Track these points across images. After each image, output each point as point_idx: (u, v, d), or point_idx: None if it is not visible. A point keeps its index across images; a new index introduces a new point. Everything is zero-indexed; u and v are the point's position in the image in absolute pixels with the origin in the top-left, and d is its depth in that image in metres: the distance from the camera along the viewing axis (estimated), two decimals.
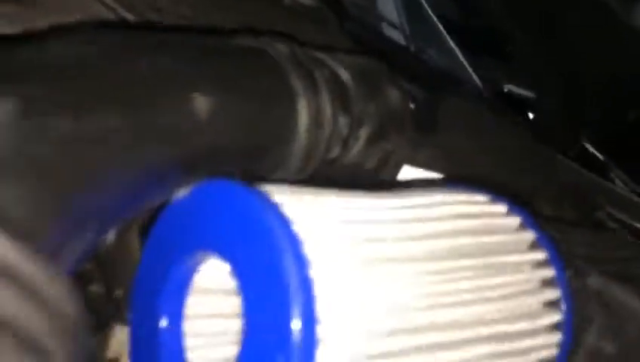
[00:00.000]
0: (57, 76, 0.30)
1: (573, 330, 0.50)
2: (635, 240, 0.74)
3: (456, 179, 0.66)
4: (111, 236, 0.41)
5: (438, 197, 0.40)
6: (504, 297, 0.39)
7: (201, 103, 0.34)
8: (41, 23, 0.43)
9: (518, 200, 0.48)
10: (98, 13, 0.53)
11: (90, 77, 0.31)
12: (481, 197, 0.44)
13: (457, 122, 0.75)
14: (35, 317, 0.23)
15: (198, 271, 0.36)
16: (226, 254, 0.32)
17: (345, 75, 0.51)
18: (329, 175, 0.53)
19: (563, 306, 0.42)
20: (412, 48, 0.99)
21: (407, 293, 0.32)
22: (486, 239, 0.40)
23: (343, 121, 0.49)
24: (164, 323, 0.36)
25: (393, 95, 0.57)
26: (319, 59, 0.49)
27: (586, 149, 0.95)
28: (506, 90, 1.02)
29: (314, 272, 0.29)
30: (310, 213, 0.32)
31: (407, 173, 0.63)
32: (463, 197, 0.42)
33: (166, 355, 0.36)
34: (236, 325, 0.35)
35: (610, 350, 0.54)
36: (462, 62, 0.99)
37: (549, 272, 0.42)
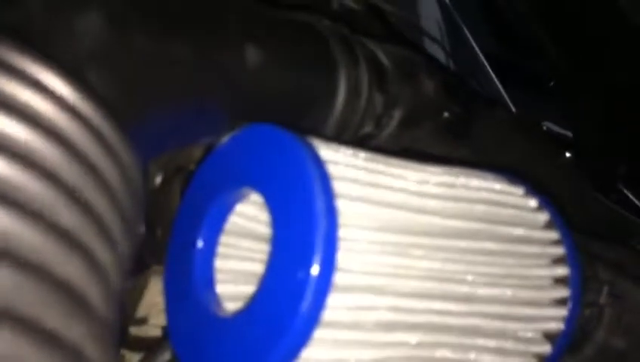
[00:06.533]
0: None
1: (584, 323, 0.52)
2: None
3: None
4: (157, 179, 0.45)
5: (465, 177, 0.43)
6: (513, 266, 0.42)
7: (252, 54, 0.38)
8: None
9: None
10: None
11: (172, 7, 0.35)
12: (501, 179, 0.46)
13: (492, 137, 0.78)
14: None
15: (235, 211, 0.40)
16: (263, 188, 0.36)
17: (384, 58, 0.55)
18: None
19: (572, 283, 0.44)
20: (452, 67, 1.02)
21: (419, 252, 0.36)
22: (502, 211, 0.43)
23: (378, 98, 0.52)
24: (199, 254, 0.39)
25: (428, 85, 0.60)
26: (361, 41, 0.53)
27: (626, 195, 0.95)
28: (544, 128, 1.05)
29: (339, 204, 0.32)
30: (340, 161, 0.36)
31: None
32: (486, 177, 0.45)
33: (198, 286, 0.39)
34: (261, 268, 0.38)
35: (620, 345, 0.55)
36: (502, 94, 1.02)
37: (561, 251, 0.44)
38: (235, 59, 0.38)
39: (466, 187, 0.42)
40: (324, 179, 0.33)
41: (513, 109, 1.01)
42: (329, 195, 0.32)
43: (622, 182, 0.95)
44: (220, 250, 0.40)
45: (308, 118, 0.45)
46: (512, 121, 0.96)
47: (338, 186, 0.34)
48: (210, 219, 0.39)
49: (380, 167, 0.38)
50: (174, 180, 0.48)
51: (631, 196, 0.94)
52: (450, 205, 0.40)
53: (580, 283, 0.44)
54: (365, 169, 0.36)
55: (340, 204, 0.33)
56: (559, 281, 0.44)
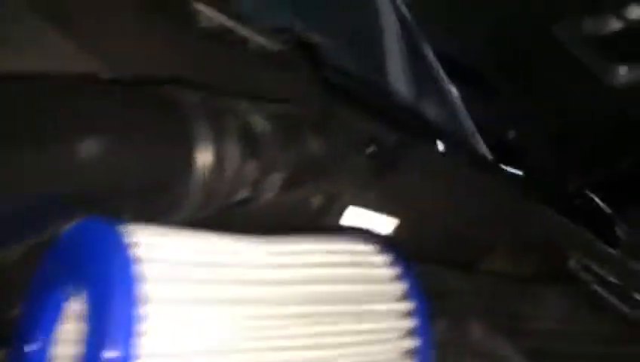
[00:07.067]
0: None
1: None
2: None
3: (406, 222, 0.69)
4: (11, 258, 0.46)
5: (307, 244, 0.43)
6: (359, 343, 0.42)
7: (90, 145, 0.39)
8: None
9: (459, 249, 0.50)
10: None
11: None
12: (361, 247, 0.47)
13: (419, 169, 0.78)
14: None
15: (71, 300, 0.40)
16: (85, 286, 0.36)
17: (261, 123, 0.55)
18: (250, 215, 0.56)
19: (421, 355, 0.45)
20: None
21: (238, 336, 0.36)
22: (349, 287, 0.44)
23: (251, 165, 0.53)
24: (33, 348, 0.40)
25: (314, 144, 0.60)
26: (233, 108, 0.54)
27: (593, 201, 0.99)
28: (511, 136, 1.08)
29: (145, 310, 0.33)
30: (162, 253, 0.36)
31: (355, 214, 0.67)
32: (337, 245, 0.46)
33: None
34: None
35: None
36: (464, 112, 1.04)
37: (413, 323, 0.45)
38: (67, 154, 0.38)
39: (312, 265, 0.43)
40: (130, 285, 0.33)
41: (471, 122, 1.04)
42: (131, 303, 0.33)
43: (589, 188, 0.99)
44: (60, 336, 0.40)
45: (163, 198, 0.46)
46: (443, 155, 0.97)
47: (151, 286, 0.34)
48: (49, 311, 0.40)
49: (215, 257, 0.38)
50: (35, 255, 0.48)
51: (596, 199, 0.98)
52: (289, 289, 0.40)
53: (428, 354, 0.45)
54: (194, 256, 0.37)
55: (150, 309, 0.33)
56: (408, 353, 0.45)
